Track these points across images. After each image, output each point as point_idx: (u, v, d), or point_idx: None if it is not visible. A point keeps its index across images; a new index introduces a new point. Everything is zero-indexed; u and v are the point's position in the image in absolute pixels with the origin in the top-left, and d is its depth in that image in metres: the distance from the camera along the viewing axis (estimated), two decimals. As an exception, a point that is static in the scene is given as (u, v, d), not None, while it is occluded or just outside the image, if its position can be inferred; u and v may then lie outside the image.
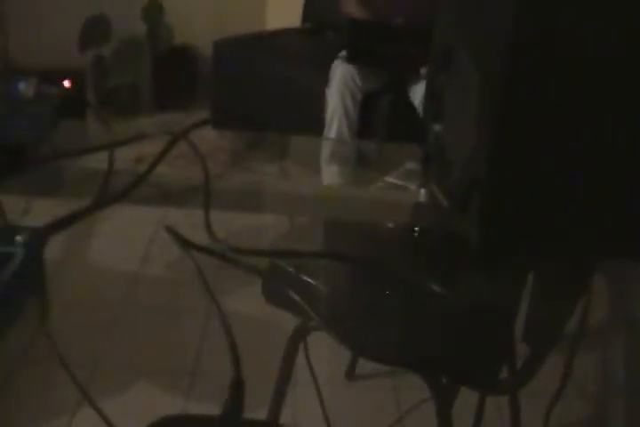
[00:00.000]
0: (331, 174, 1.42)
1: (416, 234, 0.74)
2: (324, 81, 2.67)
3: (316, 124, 2.62)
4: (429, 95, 0.77)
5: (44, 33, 4.25)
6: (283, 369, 1.26)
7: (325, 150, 2.41)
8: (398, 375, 1.61)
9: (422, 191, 0.77)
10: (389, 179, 1.30)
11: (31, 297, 0.46)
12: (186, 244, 0.64)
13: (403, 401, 1.56)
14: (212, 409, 0.57)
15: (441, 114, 0.71)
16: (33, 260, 0.47)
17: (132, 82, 3.46)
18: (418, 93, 2.50)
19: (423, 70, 2.50)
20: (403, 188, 1.19)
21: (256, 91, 3.01)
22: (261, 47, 3.18)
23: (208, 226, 0.66)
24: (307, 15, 3.53)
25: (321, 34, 3.26)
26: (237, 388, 0.49)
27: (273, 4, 3.84)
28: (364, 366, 1.62)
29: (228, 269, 0.74)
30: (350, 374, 1.63)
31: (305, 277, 0.85)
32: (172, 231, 0.65)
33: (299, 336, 1.19)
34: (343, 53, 2.60)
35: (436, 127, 0.70)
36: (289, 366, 1.25)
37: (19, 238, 0.48)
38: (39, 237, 0.49)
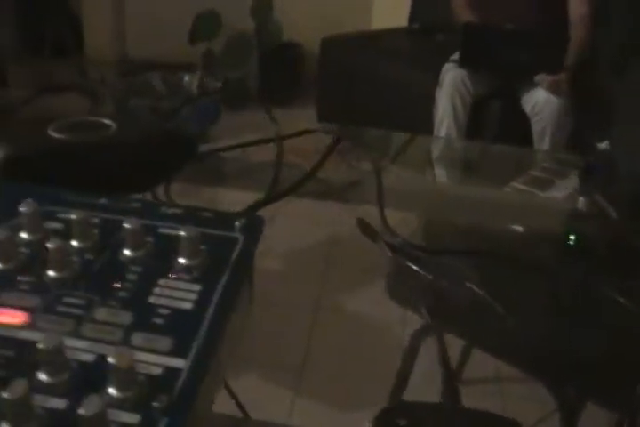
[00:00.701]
0: (441, 173, 1.42)
1: (572, 241, 0.75)
2: (433, 82, 2.67)
3: (423, 126, 2.62)
4: (596, 100, 0.77)
5: (158, 28, 4.42)
6: (402, 367, 1.28)
7: (436, 149, 2.43)
8: (506, 382, 1.61)
9: (581, 200, 0.78)
10: (516, 184, 1.30)
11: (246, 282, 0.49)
12: (376, 237, 0.67)
13: (509, 410, 1.55)
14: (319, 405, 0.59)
15: (610, 123, 0.71)
16: (251, 245, 0.50)
17: (240, 77, 3.54)
18: (529, 100, 2.48)
19: (536, 77, 2.47)
20: (530, 194, 1.19)
21: (362, 90, 3.04)
22: (369, 46, 3.21)
23: (384, 221, 0.68)
24: (414, 15, 3.53)
25: (429, 34, 3.26)
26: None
27: (380, 3, 3.86)
28: (470, 370, 1.61)
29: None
30: (455, 376, 1.63)
31: (434, 276, 0.86)
32: (364, 224, 0.67)
33: (422, 335, 1.20)
34: (455, 56, 2.59)
35: (604, 136, 0.71)
36: (409, 364, 1.26)
37: (237, 224, 0.51)
38: (258, 222, 0.52)
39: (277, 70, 3.61)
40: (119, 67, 4.21)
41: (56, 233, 0.50)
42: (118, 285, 0.45)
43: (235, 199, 0.76)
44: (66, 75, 3.72)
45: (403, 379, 1.23)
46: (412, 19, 3.53)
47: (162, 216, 0.52)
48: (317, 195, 0.77)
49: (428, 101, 2.65)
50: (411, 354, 1.21)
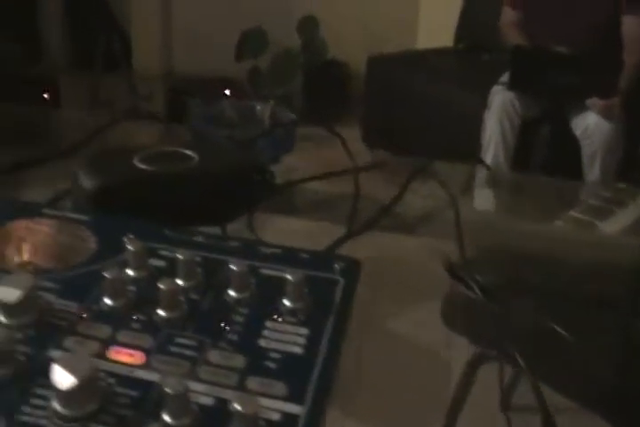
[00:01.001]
0: (484, 200, 1.42)
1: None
2: (479, 103, 2.67)
3: (470, 148, 2.62)
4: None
5: (204, 44, 4.49)
6: (456, 396, 1.27)
7: (480, 175, 2.42)
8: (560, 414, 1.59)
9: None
10: (573, 213, 1.29)
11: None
12: (457, 277, 0.67)
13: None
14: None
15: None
16: (352, 289, 0.51)
17: (285, 94, 3.57)
18: (580, 124, 2.46)
19: (588, 101, 2.46)
20: (588, 223, 1.18)
21: (409, 109, 3.05)
22: (415, 66, 3.22)
23: (463, 255, 0.69)
24: (460, 35, 3.53)
25: (476, 55, 3.26)
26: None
27: (425, 22, 3.87)
28: (520, 397, 1.60)
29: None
30: (506, 404, 1.62)
31: (491, 305, 0.86)
32: (447, 261, 0.68)
33: (477, 363, 1.19)
34: (504, 78, 2.59)
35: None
36: (463, 393, 1.25)
37: (337, 266, 0.52)
38: (355, 265, 0.53)
39: (322, 88, 3.64)
40: (165, 81, 4.27)
41: (160, 271, 0.51)
42: (227, 326, 0.46)
43: (311, 230, 0.77)
44: (115, 89, 3.78)
45: (457, 406, 1.23)
46: (457, 38, 3.53)
47: (262, 257, 0.53)
48: (390, 228, 0.78)
49: (475, 122, 2.65)
50: (466, 382, 1.21)
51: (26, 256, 0.59)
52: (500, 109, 2.49)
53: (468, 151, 2.66)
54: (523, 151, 2.51)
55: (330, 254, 0.53)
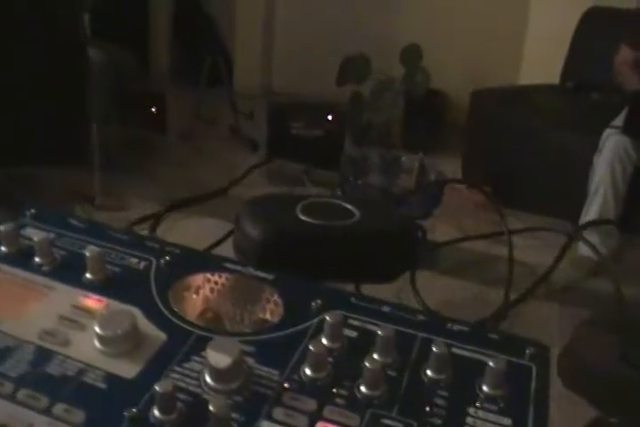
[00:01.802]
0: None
1: None
2: (587, 145, 2.61)
3: (575, 190, 2.57)
4: None
5: (306, 66, 4.56)
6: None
7: (585, 219, 2.37)
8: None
9: None
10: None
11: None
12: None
13: None
14: None
15: None
16: (546, 376, 0.51)
17: (385, 121, 3.59)
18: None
19: None
20: None
21: (511, 145, 3.01)
22: (520, 102, 3.18)
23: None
24: (568, 73, 3.48)
25: (584, 94, 3.20)
26: None
27: (530, 58, 3.83)
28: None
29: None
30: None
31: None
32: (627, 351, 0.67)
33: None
34: (617, 122, 2.53)
35: None
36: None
37: (528, 351, 0.52)
38: (546, 351, 0.52)
39: (422, 117, 3.64)
40: (265, 100, 4.35)
41: (353, 343, 0.52)
42: (429, 409, 0.47)
43: (468, 293, 0.77)
44: (217, 105, 3.87)
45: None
46: (564, 76, 3.48)
47: (452, 334, 0.53)
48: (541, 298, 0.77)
49: (582, 164, 2.59)
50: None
51: (208, 311, 0.61)
52: (612, 154, 2.42)
53: (574, 194, 2.61)
54: (633, 198, 2.44)
55: (520, 339, 0.53)
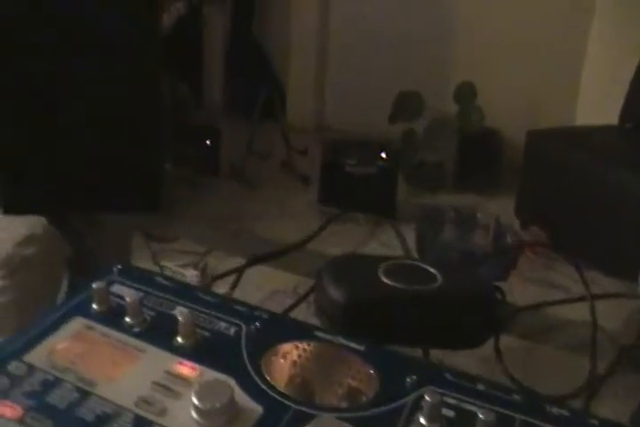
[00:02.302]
0: None
1: None
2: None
3: (634, 233, 2.52)
4: None
5: (358, 101, 4.59)
6: None
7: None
8: None
9: None
10: None
11: None
12: None
13: None
14: None
15: None
16: None
17: (438, 159, 3.58)
18: None
19: None
20: None
21: (568, 186, 2.97)
22: (578, 143, 3.14)
23: None
24: (628, 113, 3.43)
25: (643, 136, 3.15)
26: None
27: (586, 98, 3.79)
28: None
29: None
30: None
31: None
32: None
33: None
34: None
35: None
36: None
37: None
38: None
39: (476, 156, 3.62)
40: (317, 135, 4.38)
41: (452, 424, 0.51)
42: None
43: (553, 362, 0.76)
44: (270, 138, 3.89)
45: None
46: (624, 116, 3.43)
47: (550, 418, 0.52)
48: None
49: (642, 209, 2.55)
50: None
51: (296, 376, 0.61)
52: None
53: (632, 237, 2.56)
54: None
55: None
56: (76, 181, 0.98)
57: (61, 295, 1.64)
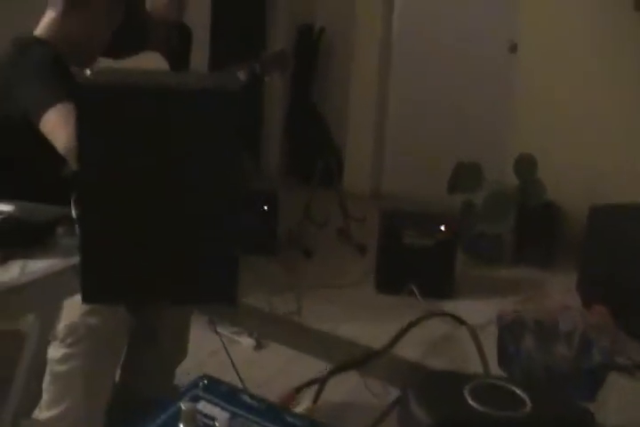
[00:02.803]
0: None
1: None
2: None
3: None
4: None
5: (418, 171, 4.59)
6: None
7: None
8: None
9: None
10: None
11: None
12: None
13: None
14: None
15: None
16: None
17: (497, 232, 3.53)
18: None
19: None
20: None
21: (631, 265, 2.89)
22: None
23: None
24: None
25: None
26: None
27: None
28: None
29: None
30: None
31: None
32: None
33: None
34: None
35: None
36: None
37: None
38: None
39: (535, 229, 3.56)
40: (374, 203, 4.36)
41: None
42: None
43: None
44: (327, 205, 3.88)
45: None
46: (689, 193, 3.36)
47: None
48: None
49: None
50: None
51: None
52: None
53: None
54: None
55: None
56: (160, 273, 1.00)
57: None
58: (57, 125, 1.43)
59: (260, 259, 3.42)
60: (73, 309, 1.54)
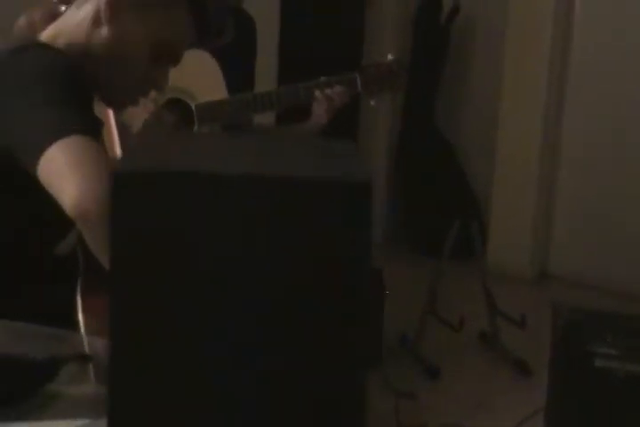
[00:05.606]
0: None
1: None
2: None
3: None
4: None
5: (596, 244, 3.71)
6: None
7: None
8: None
9: None
10: None
11: None
12: None
13: None
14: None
15: None
16: None
17: None
18: None
19: None
20: None
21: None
22: None
23: None
24: None
25: None
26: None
27: None
28: None
29: None
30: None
31: None
32: None
33: None
34: None
35: None
36: None
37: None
38: None
39: None
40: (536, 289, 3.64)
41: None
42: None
43: None
44: (462, 285, 3.24)
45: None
46: None
47: None
48: None
49: None
50: None
51: None
52: None
53: None
54: None
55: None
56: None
57: None
58: (65, 170, 1.14)
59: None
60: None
